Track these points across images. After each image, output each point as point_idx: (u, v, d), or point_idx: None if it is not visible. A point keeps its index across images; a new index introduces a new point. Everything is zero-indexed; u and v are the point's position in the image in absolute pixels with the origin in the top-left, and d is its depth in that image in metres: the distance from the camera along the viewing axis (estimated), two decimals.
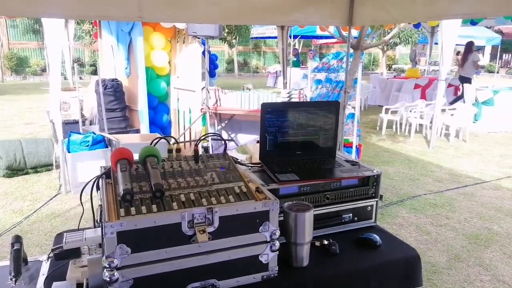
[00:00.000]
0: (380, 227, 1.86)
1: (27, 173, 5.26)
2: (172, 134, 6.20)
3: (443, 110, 8.11)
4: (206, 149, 5.92)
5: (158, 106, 6.16)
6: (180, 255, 1.24)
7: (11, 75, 19.93)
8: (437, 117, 6.99)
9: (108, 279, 1.14)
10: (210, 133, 5.54)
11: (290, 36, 14.79)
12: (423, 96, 11.21)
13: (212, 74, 11.73)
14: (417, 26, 10.63)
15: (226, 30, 21.04)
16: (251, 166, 1.82)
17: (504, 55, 26.95)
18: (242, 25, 20.07)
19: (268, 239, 1.35)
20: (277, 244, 1.37)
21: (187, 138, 5.89)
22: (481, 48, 24.04)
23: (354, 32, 5.44)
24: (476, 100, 8.95)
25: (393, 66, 25.53)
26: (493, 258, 3.29)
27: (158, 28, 5.63)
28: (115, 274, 1.15)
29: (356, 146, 5.58)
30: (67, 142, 4.63)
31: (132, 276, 1.18)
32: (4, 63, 19.70)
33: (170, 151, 1.59)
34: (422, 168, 5.84)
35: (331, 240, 1.64)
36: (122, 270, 1.16)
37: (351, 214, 1.79)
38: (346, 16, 3.36)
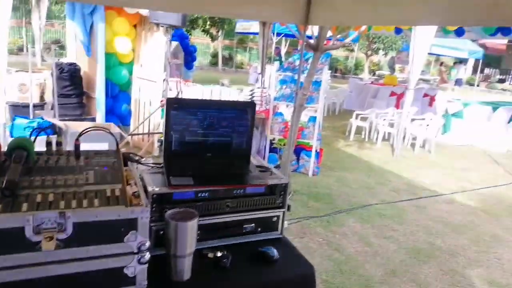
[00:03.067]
0: (286, 240, 1.76)
1: None
2: (131, 125, 6.02)
3: (413, 120, 8.15)
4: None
5: (119, 94, 5.96)
6: (22, 264, 1.10)
7: None
8: (403, 126, 6.99)
9: None
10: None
11: (273, 34, 14.75)
12: (397, 104, 11.26)
13: (189, 66, 11.54)
14: (397, 32, 10.62)
15: (208, 22, 20.76)
16: (152, 166, 1.69)
17: (485, 69, 27.49)
18: (225, 18, 19.85)
19: (135, 250, 1.23)
20: (147, 256, 1.25)
21: (146, 131, 5.71)
22: (464, 61, 24.50)
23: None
24: (446, 112, 9.02)
25: (377, 72, 25.70)
26: (429, 275, 3.25)
27: (122, 13, 5.42)
28: None
29: (317, 150, 5.51)
30: (11, 126, 4.40)
31: None
32: None
33: (48, 144, 1.45)
34: (381, 176, 5.81)
35: (225, 252, 1.52)
36: None
37: (253, 225, 1.68)
38: (302, 14, 3.26)
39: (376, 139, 7.93)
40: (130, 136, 5.81)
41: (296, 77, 5.46)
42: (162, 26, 5.06)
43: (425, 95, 12.23)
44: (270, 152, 5.63)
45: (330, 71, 19.76)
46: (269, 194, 1.70)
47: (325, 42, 4.47)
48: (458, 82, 23.80)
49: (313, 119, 5.37)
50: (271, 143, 5.65)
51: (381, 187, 5.33)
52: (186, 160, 1.70)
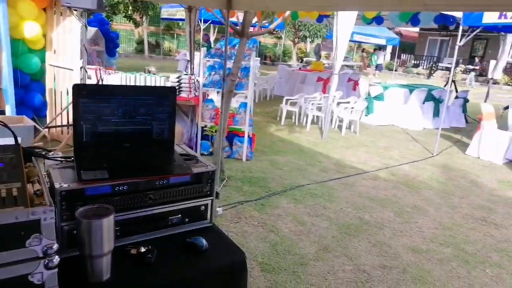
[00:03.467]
0: (216, 228, 1.70)
1: None
2: (48, 117, 5.52)
3: (339, 104, 8.49)
4: None
5: (31, 84, 5.41)
6: None
7: None
8: (330, 110, 7.26)
9: None
10: None
11: (201, 20, 14.41)
12: (324, 89, 11.66)
13: (111, 53, 10.88)
14: (320, 20, 10.94)
15: (131, 7, 19.76)
16: (61, 161, 1.52)
17: (402, 55, 29.59)
18: (149, 3, 19.02)
19: (41, 255, 1.09)
20: (56, 259, 1.11)
21: (65, 122, 5.27)
22: (383, 47, 26.10)
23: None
24: (368, 95, 9.54)
25: (305, 59, 26.43)
26: (359, 248, 3.41)
27: None
28: None
29: (249, 135, 5.51)
30: None
31: None
32: None
33: None
34: (311, 158, 5.99)
35: (149, 247, 1.42)
36: None
37: (180, 216, 1.59)
38: None
39: (306, 122, 8.16)
40: (46, 129, 5.33)
41: (223, 63, 5.38)
42: (75, 10, 4.66)
43: (349, 80, 12.83)
44: (202, 139, 5.52)
45: (259, 58, 19.87)
46: (195, 183, 1.62)
47: (251, 29, 4.43)
48: (378, 67, 25.33)
49: (243, 105, 5.34)
50: (203, 131, 5.54)
51: (311, 168, 5.49)
52: (100, 152, 1.56)
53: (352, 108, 8.29)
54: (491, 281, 3.08)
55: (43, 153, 1.51)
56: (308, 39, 26.91)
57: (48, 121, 5.41)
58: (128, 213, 1.45)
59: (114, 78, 5.17)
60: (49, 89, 5.44)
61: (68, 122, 5.28)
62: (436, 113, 9.38)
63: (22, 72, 5.15)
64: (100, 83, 5.26)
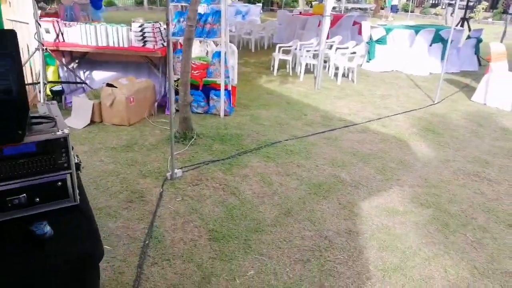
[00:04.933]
0: (84, 208, 1.37)
1: None
2: None
3: (338, 49, 7.86)
4: (57, 93, 5.06)
5: None
6: None
7: None
8: (322, 56, 6.68)
9: None
10: None
11: None
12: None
13: (96, 5, 10.27)
14: None
15: None
16: None
17: None
18: None
19: None
20: None
21: (29, 81, 4.94)
22: None
23: None
24: (370, 39, 8.81)
25: (314, 3, 24.85)
26: (326, 210, 3.08)
27: None
28: None
29: (227, 89, 5.08)
30: None
31: None
32: None
33: None
34: (297, 111, 5.55)
35: None
36: None
37: (25, 195, 1.26)
38: None
39: (300, 72, 7.61)
40: None
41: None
42: None
43: (355, 23, 11.92)
44: (176, 94, 5.12)
45: (260, 4, 18.80)
46: (43, 154, 1.27)
47: None
48: (393, 8, 23.74)
49: (217, 54, 4.86)
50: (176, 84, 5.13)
51: (294, 122, 5.08)
52: None
53: (353, 53, 7.66)
54: (470, 247, 2.73)
55: None
56: None
57: None
58: None
59: (73, 31, 4.73)
60: None
61: (32, 80, 4.95)
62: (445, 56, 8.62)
63: None
64: (60, 37, 4.84)
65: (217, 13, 4.66)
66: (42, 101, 4.34)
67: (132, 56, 5.03)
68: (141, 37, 4.64)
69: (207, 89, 5.09)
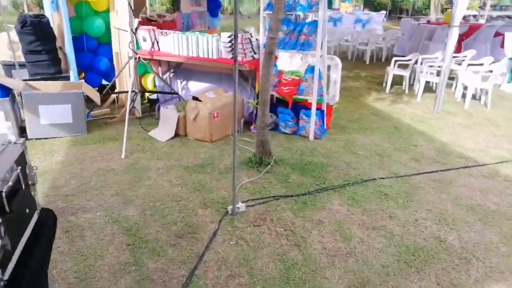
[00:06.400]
0: None
1: None
2: (117, 82, 5.39)
3: (470, 66, 6.55)
4: (154, 102, 5.11)
5: (99, 48, 5.32)
6: None
7: None
8: (446, 73, 5.54)
9: None
10: None
11: None
12: (459, 47, 9.34)
13: (213, 13, 10.55)
14: None
15: None
16: None
17: None
18: None
19: None
20: None
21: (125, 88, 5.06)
22: None
23: None
24: None
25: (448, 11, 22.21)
26: None
27: None
28: None
29: (320, 108, 4.48)
30: None
31: None
32: None
33: None
34: (406, 140, 4.62)
35: None
36: None
37: None
38: None
39: (418, 90, 6.52)
40: (115, 95, 5.24)
41: (289, 16, 4.40)
42: None
43: (497, 34, 10.02)
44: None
45: (384, 12, 17.41)
46: None
47: None
48: None
49: (310, 69, 4.28)
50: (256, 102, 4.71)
51: (399, 154, 4.19)
52: None
53: (490, 72, 6.28)
54: None
55: None
56: None
57: (117, 88, 5.31)
58: None
59: (167, 40, 4.66)
60: (115, 52, 5.26)
61: (130, 88, 5.06)
62: None
63: (87, 36, 5.05)
64: (155, 45, 4.83)
65: (314, 23, 4.08)
66: (128, 109, 4.32)
67: (225, 67, 4.77)
68: (230, 48, 4.33)
69: (298, 107, 4.54)
